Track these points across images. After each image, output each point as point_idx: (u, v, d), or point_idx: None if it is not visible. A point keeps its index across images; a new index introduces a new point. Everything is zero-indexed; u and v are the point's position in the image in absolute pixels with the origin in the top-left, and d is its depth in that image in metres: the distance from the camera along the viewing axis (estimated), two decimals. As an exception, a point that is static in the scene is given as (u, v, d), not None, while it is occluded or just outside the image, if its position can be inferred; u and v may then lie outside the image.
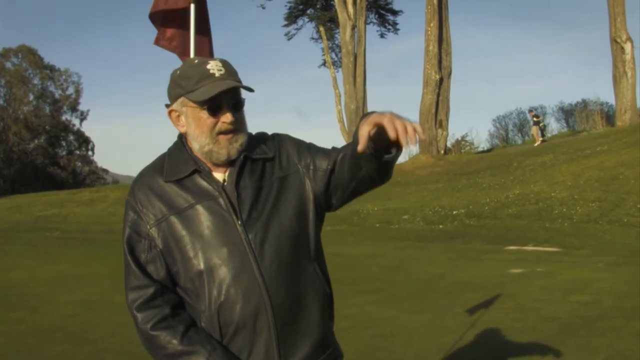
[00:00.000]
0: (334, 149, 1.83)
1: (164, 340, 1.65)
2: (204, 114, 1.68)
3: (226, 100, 1.69)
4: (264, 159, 1.78)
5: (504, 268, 8.44)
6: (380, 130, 1.52)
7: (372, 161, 1.63)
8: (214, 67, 1.69)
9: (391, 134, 1.47)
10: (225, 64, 1.72)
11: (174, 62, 1.81)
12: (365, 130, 1.52)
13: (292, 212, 1.76)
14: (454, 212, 13.62)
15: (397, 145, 1.60)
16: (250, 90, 1.72)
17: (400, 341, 5.25)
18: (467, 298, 6.49)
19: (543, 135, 25.91)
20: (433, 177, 19.72)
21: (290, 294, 1.69)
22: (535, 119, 26.67)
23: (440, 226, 12.95)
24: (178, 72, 1.75)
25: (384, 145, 1.60)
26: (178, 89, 1.72)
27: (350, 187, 1.77)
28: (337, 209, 1.88)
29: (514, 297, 6.58)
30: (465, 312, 5.93)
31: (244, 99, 1.75)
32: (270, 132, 1.90)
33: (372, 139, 1.54)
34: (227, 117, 1.69)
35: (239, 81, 1.72)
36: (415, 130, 1.48)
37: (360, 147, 1.53)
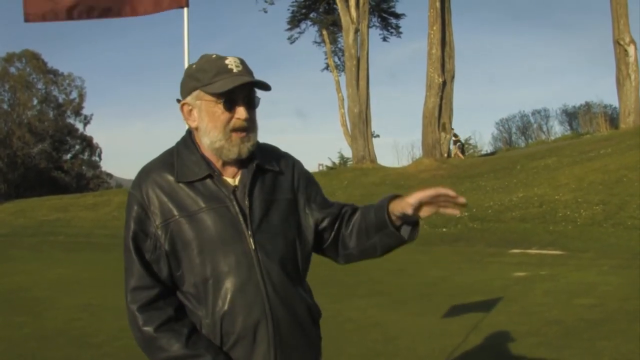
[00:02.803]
0: (336, 202, 1.92)
1: (167, 343, 1.63)
2: (218, 109, 1.67)
3: (241, 96, 1.68)
4: (274, 172, 1.79)
5: (507, 271, 8.42)
6: (416, 209, 1.69)
7: (390, 236, 1.76)
8: (232, 62, 1.69)
9: (458, 200, 1.68)
10: (242, 61, 1.72)
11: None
12: (409, 203, 1.68)
13: (296, 233, 1.78)
14: (457, 216, 13.59)
15: (413, 228, 1.78)
16: (267, 88, 1.71)
17: (403, 344, 5.23)
18: (471, 301, 6.47)
19: (463, 153, 27.31)
20: (436, 181, 19.68)
21: (290, 310, 1.69)
22: (454, 137, 28.01)
23: (444, 229, 12.93)
24: (194, 66, 1.74)
25: (400, 224, 1.76)
26: (194, 82, 1.70)
27: (349, 252, 1.86)
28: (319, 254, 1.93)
29: (518, 300, 6.56)
30: (468, 315, 5.91)
31: (259, 98, 1.74)
32: (273, 139, 1.92)
33: (397, 215, 1.72)
34: (241, 113, 1.67)
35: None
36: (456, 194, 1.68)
37: (410, 210, 1.69)
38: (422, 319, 6.07)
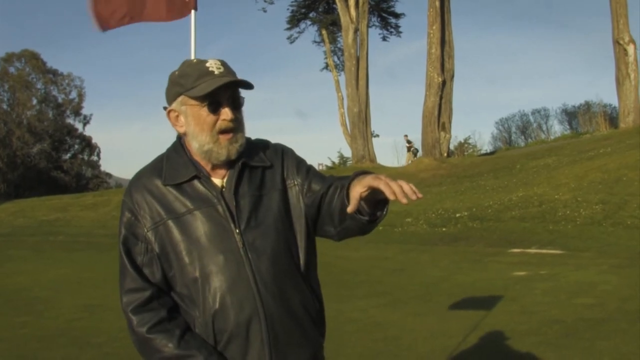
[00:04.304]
0: (330, 176, 1.84)
1: (160, 344, 1.65)
2: (203, 112, 1.69)
3: (225, 97, 1.69)
4: (263, 167, 1.79)
5: (507, 271, 8.43)
6: (372, 192, 1.55)
7: (355, 220, 1.66)
8: (212, 65, 1.70)
9: (390, 196, 1.49)
10: (223, 63, 1.73)
11: (177, 65, 1.81)
12: (357, 192, 1.55)
13: (288, 226, 1.76)
14: (457, 215, 13.61)
15: (382, 208, 1.65)
16: (249, 86, 1.72)
17: (404, 344, 5.24)
18: (471, 301, 6.48)
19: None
20: (436, 180, 19.70)
21: (283, 305, 1.69)
22: (407, 144, 28.38)
23: (444, 229, 12.94)
24: (177, 72, 1.75)
25: (372, 205, 1.63)
26: (177, 87, 1.72)
27: (338, 230, 1.77)
28: (339, 240, 1.85)
29: (518, 299, 6.57)
30: (469, 314, 5.92)
31: (243, 98, 1.75)
32: (273, 138, 1.91)
33: (362, 199, 1.57)
34: (226, 114, 1.69)
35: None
36: (411, 188, 1.50)
37: (351, 208, 1.56)
38: (422, 319, 6.08)
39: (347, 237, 1.79)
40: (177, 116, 1.75)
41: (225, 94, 1.69)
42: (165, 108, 1.78)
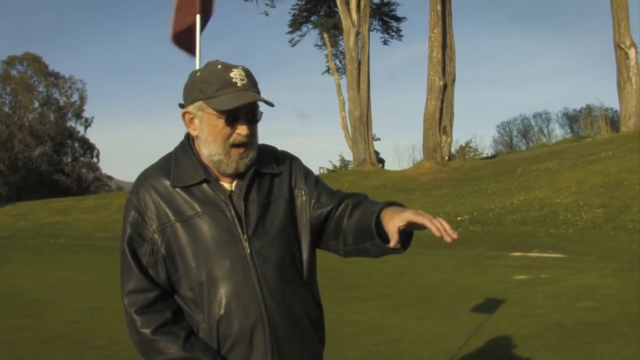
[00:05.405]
0: (339, 191, 1.85)
1: (165, 346, 1.64)
2: (219, 123, 1.67)
3: (244, 112, 1.67)
4: (272, 175, 1.78)
5: (508, 274, 8.42)
6: (408, 226, 1.59)
7: (378, 247, 1.69)
8: (236, 75, 1.66)
9: (437, 233, 1.55)
10: (247, 73, 1.70)
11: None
12: (396, 226, 1.58)
13: (293, 234, 1.77)
14: (458, 219, 13.59)
15: (410, 237, 1.68)
16: (270, 104, 1.69)
17: (405, 347, 5.23)
18: (472, 304, 6.47)
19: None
20: (437, 184, 19.68)
21: (287, 312, 1.69)
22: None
23: (445, 232, 12.91)
24: (198, 74, 1.71)
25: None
26: (197, 92, 1.69)
27: (349, 249, 1.81)
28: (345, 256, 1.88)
29: (519, 303, 6.56)
30: (470, 318, 5.91)
31: (261, 113, 1.73)
32: (273, 141, 1.91)
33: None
34: (242, 129, 1.67)
35: (259, 93, 1.70)
36: (451, 228, 1.57)
37: (393, 243, 1.60)
38: (423, 322, 6.07)
39: (356, 257, 1.82)
40: (192, 119, 1.73)
41: (245, 108, 1.67)
42: (181, 105, 1.76)
